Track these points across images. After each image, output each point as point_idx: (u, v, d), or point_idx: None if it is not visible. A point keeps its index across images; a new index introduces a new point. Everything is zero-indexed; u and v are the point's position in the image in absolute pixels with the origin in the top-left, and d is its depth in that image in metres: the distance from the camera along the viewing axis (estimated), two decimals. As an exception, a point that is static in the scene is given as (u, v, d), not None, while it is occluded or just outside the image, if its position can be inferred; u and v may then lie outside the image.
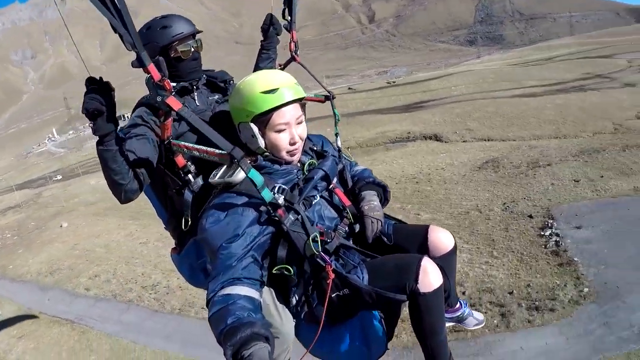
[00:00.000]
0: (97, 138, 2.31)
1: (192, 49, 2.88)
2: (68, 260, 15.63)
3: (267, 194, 2.15)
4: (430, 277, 2.20)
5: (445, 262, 2.52)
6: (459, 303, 3.14)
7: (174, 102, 2.12)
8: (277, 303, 2.43)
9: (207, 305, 2.07)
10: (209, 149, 2.29)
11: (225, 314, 1.92)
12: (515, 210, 12.27)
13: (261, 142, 2.36)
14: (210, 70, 3.18)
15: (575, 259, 9.59)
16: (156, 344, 9.23)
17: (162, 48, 2.77)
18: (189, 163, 2.63)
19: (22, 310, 12.40)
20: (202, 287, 3.02)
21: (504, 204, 12.88)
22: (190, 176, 2.64)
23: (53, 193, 34.24)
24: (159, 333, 9.66)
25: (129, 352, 9.26)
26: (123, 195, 2.47)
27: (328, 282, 2.22)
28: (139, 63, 2.10)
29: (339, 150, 2.86)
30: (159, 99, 2.13)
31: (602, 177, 13.53)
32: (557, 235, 10.66)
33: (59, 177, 46.13)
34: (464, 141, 20.40)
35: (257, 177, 2.12)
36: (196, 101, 2.94)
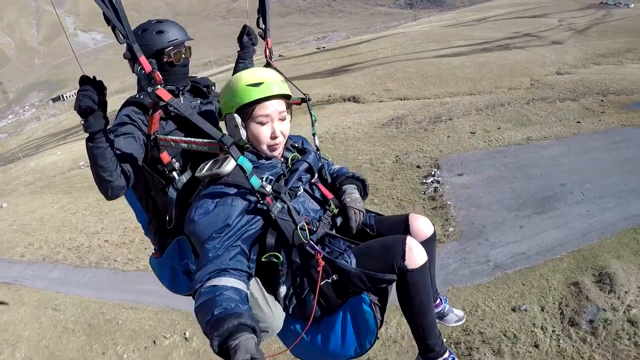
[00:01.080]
0: (87, 135, 2.29)
1: (184, 56, 2.95)
2: (7, 235, 17.30)
3: (255, 181, 2.15)
4: (415, 254, 2.23)
5: (426, 249, 2.44)
6: (439, 299, 3.10)
7: (164, 94, 2.18)
8: (267, 296, 2.35)
9: (193, 297, 2.03)
10: (196, 139, 2.37)
11: (212, 305, 1.89)
12: (405, 162, 12.75)
13: (243, 133, 2.36)
14: (193, 76, 3.20)
15: (449, 202, 9.98)
16: (76, 292, 11.76)
17: (157, 51, 2.83)
18: (174, 160, 2.63)
19: (-34, 281, 14.59)
20: (182, 294, 3.03)
21: (397, 156, 13.33)
22: (174, 173, 2.63)
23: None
24: (79, 283, 12.24)
25: (53, 300, 11.67)
26: (110, 192, 2.47)
27: (318, 269, 2.22)
28: (130, 55, 2.17)
29: (317, 150, 2.86)
30: (149, 89, 2.18)
31: (499, 128, 14.07)
32: (438, 182, 11.11)
33: (-7, 165, 45.79)
34: (380, 101, 20.39)
35: (247, 164, 2.13)
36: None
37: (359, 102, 21.01)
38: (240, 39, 3.64)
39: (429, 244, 2.61)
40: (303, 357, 2.61)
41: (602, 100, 15.04)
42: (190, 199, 2.46)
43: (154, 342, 9.46)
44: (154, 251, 3.07)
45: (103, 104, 2.24)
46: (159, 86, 2.19)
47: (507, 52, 24.63)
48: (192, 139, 2.39)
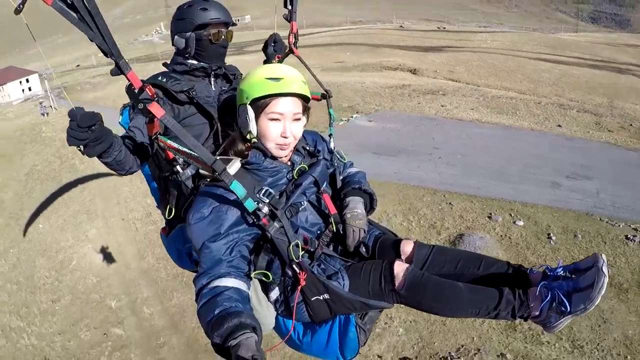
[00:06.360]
0: None
1: (223, 37, 2.91)
2: (116, 95, 23.50)
3: (250, 205, 2.08)
4: (401, 274, 2.25)
5: (437, 258, 2.48)
6: (537, 270, 2.34)
7: (157, 110, 2.02)
8: (260, 295, 2.36)
9: (195, 300, 2.02)
10: (193, 153, 2.15)
11: (213, 305, 1.88)
12: (355, 107, 14.57)
13: (253, 127, 2.27)
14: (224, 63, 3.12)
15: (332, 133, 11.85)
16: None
17: (198, 26, 2.83)
18: (177, 156, 2.51)
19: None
20: (187, 269, 3.14)
21: (357, 103, 15.04)
22: (178, 167, 2.58)
23: (134, 69, 45.62)
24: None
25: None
26: (120, 176, 2.62)
27: (298, 287, 2.20)
28: (118, 70, 1.98)
29: (331, 152, 2.72)
30: (140, 106, 2.04)
31: (472, 109, 14.67)
32: (342, 120, 13.32)
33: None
34: (434, 78, 20.88)
35: (239, 189, 2.05)
36: (212, 86, 2.99)
37: (415, 74, 22.02)
38: (265, 49, 3.37)
39: (432, 252, 2.52)
40: (295, 350, 2.65)
41: (630, 125, 13.51)
42: (193, 192, 2.53)
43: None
44: (164, 226, 3.08)
45: (96, 134, 2.18)
46: (150, 101, 2.04)
47: (613, 74, 22.65)
48: (190, 152, 2.19)
